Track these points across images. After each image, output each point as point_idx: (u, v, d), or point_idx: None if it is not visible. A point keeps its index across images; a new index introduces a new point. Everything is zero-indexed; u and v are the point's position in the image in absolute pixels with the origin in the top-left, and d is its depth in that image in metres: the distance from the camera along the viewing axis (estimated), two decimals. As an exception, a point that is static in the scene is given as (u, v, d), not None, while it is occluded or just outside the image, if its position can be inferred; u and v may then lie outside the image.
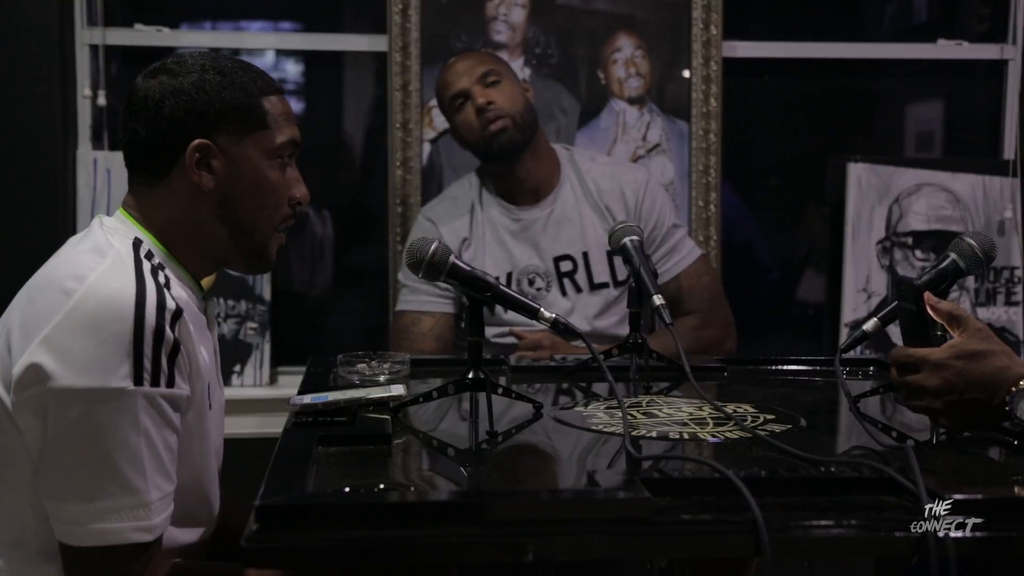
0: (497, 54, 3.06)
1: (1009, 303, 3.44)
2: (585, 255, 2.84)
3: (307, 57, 3.40)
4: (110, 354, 1.46)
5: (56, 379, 1.46)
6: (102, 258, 1.55)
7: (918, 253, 3.42)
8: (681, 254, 2.88)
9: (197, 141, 1.62)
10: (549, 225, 2.84)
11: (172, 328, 1.51)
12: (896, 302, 1.77)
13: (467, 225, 2.86)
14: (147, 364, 1.48)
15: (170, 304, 1.52)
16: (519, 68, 3.25)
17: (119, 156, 3.07)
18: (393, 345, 2.89)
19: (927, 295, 1.71)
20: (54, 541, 1.53)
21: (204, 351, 1.63)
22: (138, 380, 1.48)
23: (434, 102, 3.22)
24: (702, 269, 2.92)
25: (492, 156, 2.81)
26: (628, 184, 2.88)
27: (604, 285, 2.84)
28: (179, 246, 1.67)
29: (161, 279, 1.55)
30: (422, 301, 2.83)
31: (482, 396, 1.82)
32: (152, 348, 1.49)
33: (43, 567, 1.55)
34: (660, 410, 1.93)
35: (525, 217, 2.85)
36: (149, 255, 1.60)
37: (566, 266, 2.84)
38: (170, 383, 1.52)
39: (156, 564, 1.54)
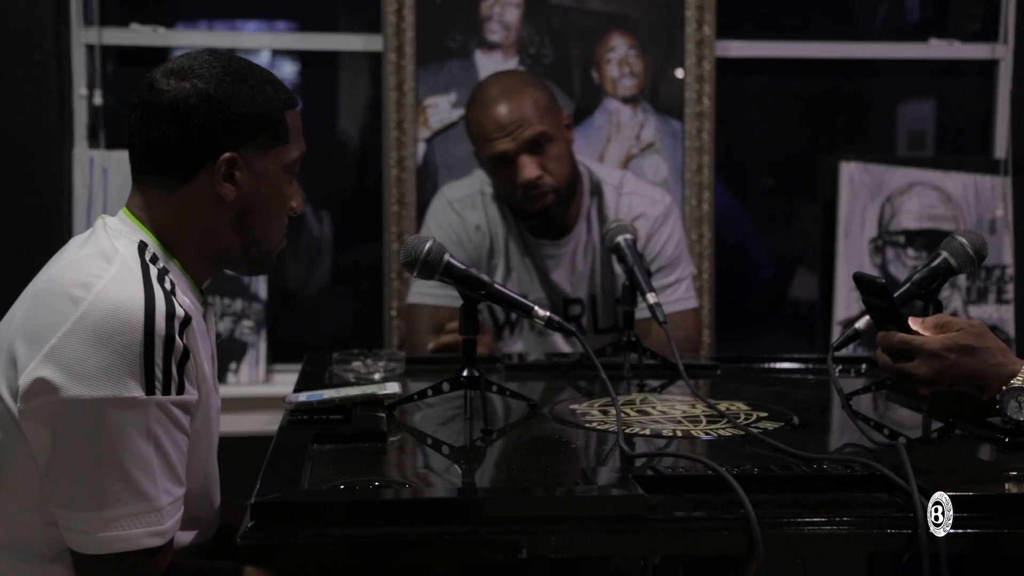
0: (536, 78, 2.79)
1: (1000, 301, 3.45)
2: (593, 299, 2.76)
3: (302, 57, 3.40)
4: (121, 364, 1.46)
5: (65, 390, 1.45)
6: (108, 264, 1.54)
7: (910, 251, 3.43)
8: (668, 297, 2.69)
9: (228, 154, 1.61)
10: (563, 266, 2.75)
11: (181, 336, 1.51)
12: (863, 298, 1.79)
13: (484, 217, 2.75)
14: (158, 373, 1.48)
15: (179, 312, 1.51)
16: (513, 68, 3.25)
17: (115, 155, 3.12)
18: (408, 339, 2.82)
19: (911, 321, 1.73)
20: (60, 543, 1.53)
21: (205, 355, 1.63)
22: (150, 389, 1.47)
23: (429, 101, 3.24)
24: (679, 323, 2.68)
25: (529, 219, 2.69)
26: (645, 216, 2.73)
27: (610, 330, 2.74)
28: (185, 250, 1.65)
29: (167, 285, 1.54)
30: (439, 295, 2.69)
31: (477, 393, 1.83)
32: (163, 357, 1.48)
33: (48, 568, 1.55)
34: (654, 408, 1.93)
35: (542, 252, 2.74)
36: (154, 259, 1.59)
37: (575, 310, 2.77)
38: (180, 390, 1.52)
39: (168, 567, 1.54)
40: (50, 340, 1.47)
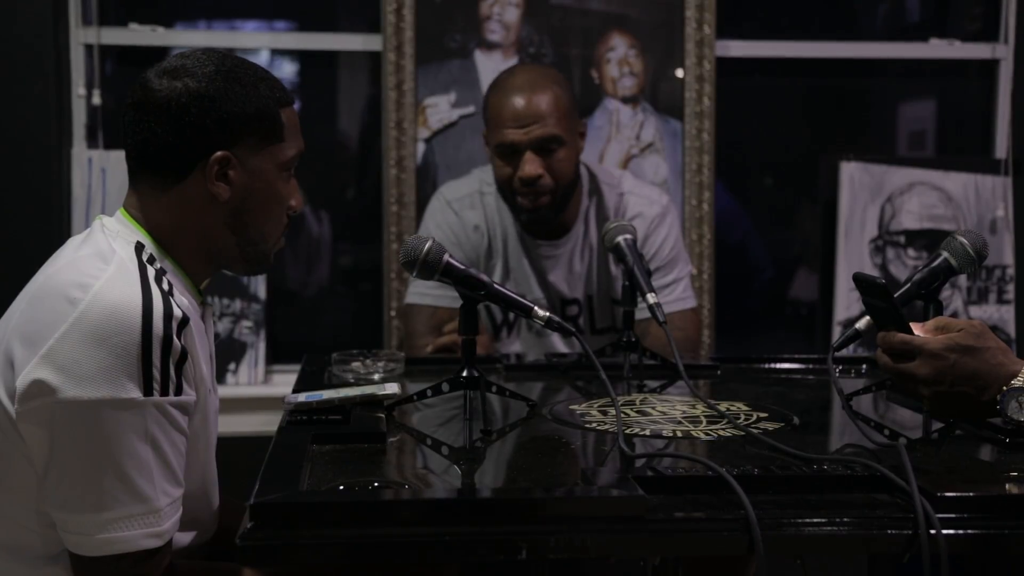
0: (564, 80, 2.74)
1: (1001, 301, 3.45)
2: (589, 299, 2.75)
3: (302, 56, 3.40)
4: (118, 365, 1.45)
5: (63, 391, 1.44)
6: (105, 264, 1.53)
7: (910, 252, 3.43)
8: (665, 297, 2.66)
9: (220, 153, 1.60)
10: (560, 266, 2.74)
11: (179, 336, 1.51)
12: (863, 299, 1.78)
13: (482, 217, 2.74)
14: (156, 374, 1.48)
15: (176, 312, 1.51)
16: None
17: (114, 155, 3.12)
18: (406, 340, 2.81)
19: (913, 326, 1.72)
20: (59, 544, 1.52)
21: (203, 356, 1.63)
22: (148, 391, 1.47)
23: (429, 100, 3.23)
24: (678, 323, 2.67)
25: (520, 214, 2.67)
26: (642, 216, 2.72)
27: (607, 330, 2.74)
28: (182, 250, 1.65)
29: (165, 286, 1.54)
30: (438, 296, 2.68)
31: (476, 394, 1.83)
32: (161, 358, 1.48)
33: (47, 569, 1.55)
34: (654, 408, 1.93)
35: (539, 252, 2.74)
36: (151, 260, 1.59)
37: (572, 310, 2.76)
38: (178, 391, 1.51)
39: (166, 565, 1.54)
40: (47, 341, 1.46)
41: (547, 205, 2.62)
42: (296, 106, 1.73)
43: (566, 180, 2.63)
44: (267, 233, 1.70)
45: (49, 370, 1.45)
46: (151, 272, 1.55)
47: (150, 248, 1.61)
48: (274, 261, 1.76)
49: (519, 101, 2.59)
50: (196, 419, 1.60)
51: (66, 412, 1.45)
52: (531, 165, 2.57)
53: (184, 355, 1.52)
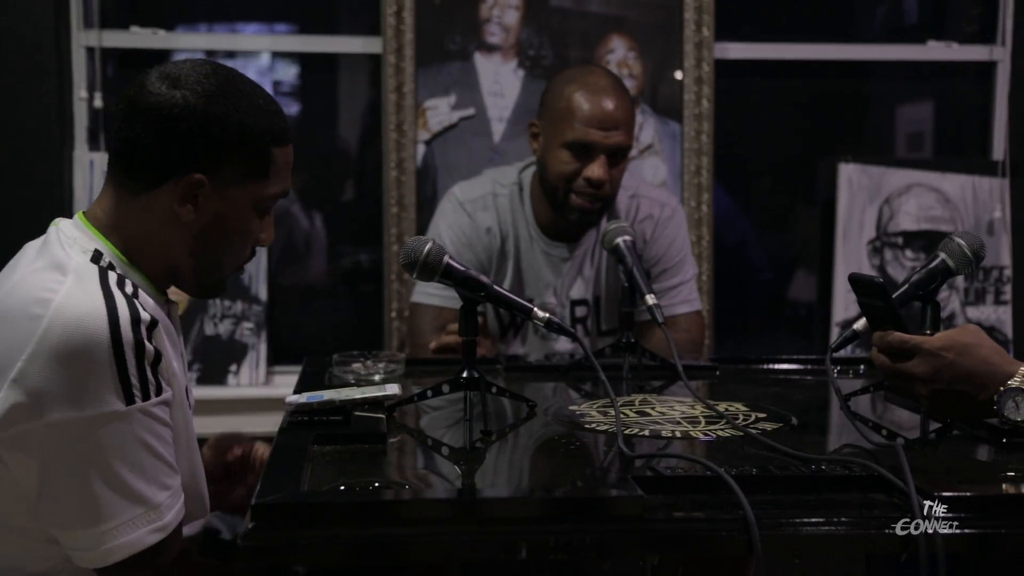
0: (629, 92, 2.74)
1: (998, 302, 3.46)
2: (597, 300, 2.75)
3: (302, 59, 3.41)
4: (95, 380, 1.42)
5: (45, 416, 1.41)
6: (62, 275, 1.48)
7: (908, 253, 3.43)
8: (671, 299, 2.71)
9: (196, 177, 1.54)
10: (572, 268, 2.73)
11: (150, 340, 1.47)
12: (859, 299, 1.79)
13: (495, 219, 2.73)
14: (134, 381, 1.44)
15: (144, 316, 1.47)
16: (512, 70, 3.26)
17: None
18: (409, 337, 2.81)
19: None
20: (50, 559, 1.51)
21: (174, 354, 1.60)
22: (129, 399, 1.44)
23: (429, 103, 3.24)
24: (683, 325, 2.72)
25: (558, 210, 2.66)
26: (651, 218, 2.74)
27: (613, 331, 2.73)
28: (142, 257, 1.59)
29: (128, 289, 1.50)
30: (444, 296, 2.66)
31: (476, 395, 1.83)
32: (136, 364, 1.44)
33: None
34: (653, 409, 1.94)
35: (556, 254, 2.73)
36: (111, 266, 1.54)
37: (580, 311, 2.76)
38: (159, 392, 1.49)
39: (178, 552, 1.53)
40: (16, 363, 1.42)
41: (597, 211, 2.64)
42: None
43: (615, 191, 2.65)
44: (225, 263, 1.65)
45: (24, 394, 1.41)
46: (112, 277, 1.50)
47: (109, 255, 1.56)
48: (226, 288, 1.72)
49: (607, 103, 2.57)
50: (176, 416, 1.57)
51: (52, 435, 1.42)
52: (602, 169, 2.57)
53: (158, 357, 1.49)
